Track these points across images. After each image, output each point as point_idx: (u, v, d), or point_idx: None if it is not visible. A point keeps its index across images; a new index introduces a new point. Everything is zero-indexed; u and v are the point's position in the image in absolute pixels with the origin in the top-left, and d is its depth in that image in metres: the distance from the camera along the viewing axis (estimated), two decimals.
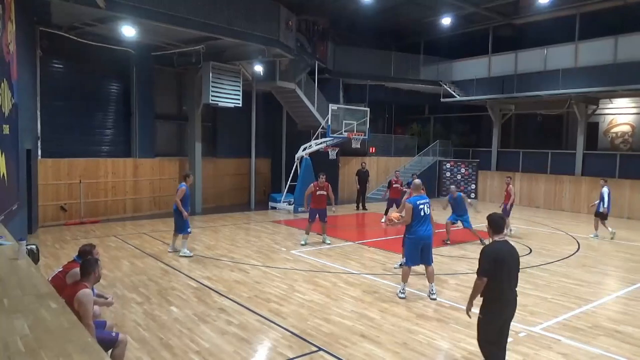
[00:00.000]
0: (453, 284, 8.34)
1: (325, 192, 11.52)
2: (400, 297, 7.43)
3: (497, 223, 4.62)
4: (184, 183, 10.02)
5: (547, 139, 22.23)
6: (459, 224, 11.88)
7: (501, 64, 20.78)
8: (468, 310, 4.71)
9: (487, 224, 4.71)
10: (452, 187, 12.25)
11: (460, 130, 25.74)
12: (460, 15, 20.24)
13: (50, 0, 10.25)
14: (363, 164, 18.02)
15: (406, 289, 7.58)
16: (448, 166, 23.01)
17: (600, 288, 8.39)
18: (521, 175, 20.78)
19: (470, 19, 20.88)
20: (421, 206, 7.34)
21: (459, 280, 8.56)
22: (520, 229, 14.54)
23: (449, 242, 11.78)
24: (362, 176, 18.03)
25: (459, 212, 11.66)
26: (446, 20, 20.17)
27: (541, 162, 20.37)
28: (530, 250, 11.28)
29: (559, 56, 18.72)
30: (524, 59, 19.95)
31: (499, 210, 12.85)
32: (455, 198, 11.71)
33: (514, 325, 6.36)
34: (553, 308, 7.17)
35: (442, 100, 22.17)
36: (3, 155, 7.02)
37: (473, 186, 22.32)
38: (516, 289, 4.58)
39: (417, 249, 7.40)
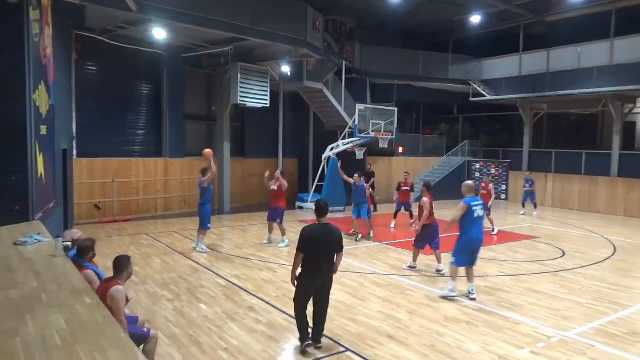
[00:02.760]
0: (483, 286, 8.19)
1: (276, 188, 10.79)
2: (450, 298, 7.37)
3: (319, 208, 5.58)
4: (203, 178, 10.31)
5: (581, 138, 21.61)
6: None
7: (532, 62, 20.26)
8: (292, 280, 5.50)
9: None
10: (356, 175, 12.41)
11: (490, 130, 25.26)
12: (491, 13, 19.86)
13: (85, 4, 10.53)
14: (368, 165, 17.58)
15: (452, 291, 7.50)
16: (477, 166, 22.63)
17: (638, 293, 8.09)
18: (554, 176, 20.25)
19: (500, 16, 20.45)
20: (474, 207, 7.35)
21: (489, 283, 8.40)
22: (553, 230, 14.19)
23: (355, 234, 12.11)
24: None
25: (357, 200, 11.92)
26: (476, 19, 19.80)
27: (575, 163, 19.80)
28: (564, 253, 10.99)
29: (594, 54, 18.14)
30: (556, 57, 19.41)
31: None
32: (358, 186, 12.06)
33: (546, 329, 6.24)
34: (587, 313, 6.96)
35: (471, 99, 21.80)
36: (41, 155, 7.26)
37: (504, 187, 21.88)
38: (325, 261, 5.36)
39: (468, 250, 7.38)
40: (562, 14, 19.58)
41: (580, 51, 18.61)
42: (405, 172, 15.30)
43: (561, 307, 7.18)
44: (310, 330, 5.54)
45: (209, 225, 10.44)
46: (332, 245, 5.43)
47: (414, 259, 9.28)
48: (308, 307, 5.54)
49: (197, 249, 10.36)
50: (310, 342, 5.47)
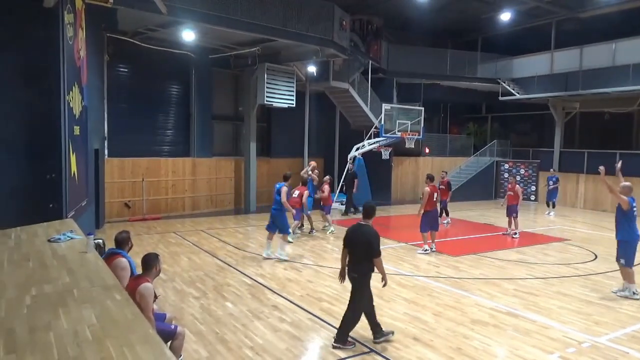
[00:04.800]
0: (511, 289, 8.04)
1: (296, 195, 11.57)
2: (636, 298, 7.48)
3: (365, 210, 5.80)
4: (283, 183, 9.98)
5: (616, 138, 20.91)
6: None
7: (565, 59, 19.74)
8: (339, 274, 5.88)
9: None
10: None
11: (520, 129, 24.72)
12: (521, 10, 19.44)
13: (117, 7, 10.79)
14: (350, 166, 17.12)
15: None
16: (506, 167, 22.19)
17: None
18: (586, 177, 19.67)
19: (531, 13, 20.00)
20: (635, 207, 7.57)
21: (517, 286, 8.24)
22: (585, 233, 13.82)
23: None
24: (347, 177, 16.62)
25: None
26: (505, 16, 19.40)
27: (608, 163, 18.95)
28: (596, 257, 10.68)
29: (630, 50, 17.52)
30: (590, 54, 18.86)
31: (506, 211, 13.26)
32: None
33: (576, 334, 6.09)
34: (620, 318, 6.75)
35: (500, 98, 21.37)
36: (74, 155, 7.48)
37: (533, 188, 21.38)
38: (356, 262, 5.57)
39: (635, 250, 7.59)
40: (596, 9, 19.01)
41: (615, 48, 18.04)
42: (442, 171, 15.17)
43: (593, 311, 6.99)
44: (377, 325, 5.76)
45: (290, 230, 10.27)
46: (360, 246, 5.50)
47: (425, 243, 10.61)
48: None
49: (277, 254, 9.70)
50: (380, 339, 5.69)
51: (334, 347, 5.54)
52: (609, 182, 7.78)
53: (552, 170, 18.72)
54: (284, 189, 9.81)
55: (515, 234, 12.83)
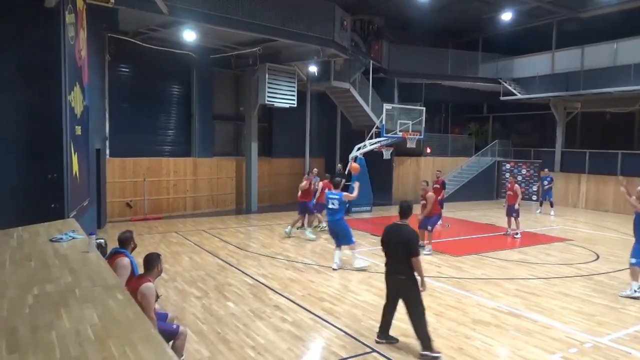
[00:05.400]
0: (512, 289, 8.03)
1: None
2: (637, 297, 7.53)
3: (402, 209, 5.71)
4: (341, 192, 9.53)
5: (617, 138, 20.88)
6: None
7: (566, 59, 19.71)
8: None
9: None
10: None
11: (521, 129, 24.70)
12: (522, 10, 19.43)
13: (118, 7, 10.79)
14: (339, 165, 16.97)
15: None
16: (508, 167, 22.16)
17: None
18: (587, 177, 19.64)
19: (532, 13, 19.99)
20: None
21: (519, 286, 8.22)
22: (587, 233, 13.80)
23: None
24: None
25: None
26: (506, 16, 19.39)
27: (610, 163, 19.13)
28: (598, 257, 10.66)
29: (631, 50, 17.48)
30: (591, 54, 18.82)
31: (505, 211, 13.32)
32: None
33: (578, 334, 6.08)
34: (623, 318, 6.73)
35: (501, 98, 21.35)
36: (76, 154, 7.48)
37: (534, 188, 21.35)
38: (398, 262, 5.50)
39: None
40: (598, 9, 18.99)
41: (617, 48, 18.01)
42: (437, 170, 15.15)
43: (595, 311, 6.97)
44: (386, 327, 5.77)
45: (354, 240, 9.20)
46: (399, 246, 5.44)
47: (429, 243, 10.62)
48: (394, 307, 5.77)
49: (356, 264, 9.04)
50: (382, 340, 5.71)
51: (421, 356, 5.34)
52: (632, 200, 7.70)
53: (546, 170, 18.78)
54: (345, 194, 9.49)
55: (517, 234, 12.80)
